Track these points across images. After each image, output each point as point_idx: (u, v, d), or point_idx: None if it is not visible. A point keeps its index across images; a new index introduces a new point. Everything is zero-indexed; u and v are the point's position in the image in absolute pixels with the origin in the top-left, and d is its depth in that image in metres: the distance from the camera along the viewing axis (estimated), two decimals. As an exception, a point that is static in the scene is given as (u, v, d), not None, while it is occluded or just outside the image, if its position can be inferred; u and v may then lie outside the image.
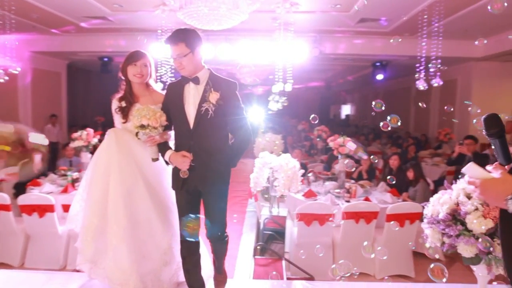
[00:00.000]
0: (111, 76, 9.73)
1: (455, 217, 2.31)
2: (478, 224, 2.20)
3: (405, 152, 8.03)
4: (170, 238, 2.50)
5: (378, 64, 9.13)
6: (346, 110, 22.63)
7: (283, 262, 3.56)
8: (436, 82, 4.58)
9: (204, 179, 2.26)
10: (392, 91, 14.47)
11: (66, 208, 3.86)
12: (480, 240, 2.22)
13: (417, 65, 5.22)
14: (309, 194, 4.65)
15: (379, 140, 10.89)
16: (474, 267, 2.50)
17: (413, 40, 7.76)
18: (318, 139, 7.96)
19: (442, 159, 7.72)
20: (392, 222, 3.97)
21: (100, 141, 6.07)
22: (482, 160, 4.75)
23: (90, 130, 5.17)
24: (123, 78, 2.50)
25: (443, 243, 2.42)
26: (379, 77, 9.22)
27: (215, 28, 4.38)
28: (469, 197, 2.35)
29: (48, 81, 9.95)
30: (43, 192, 4.42)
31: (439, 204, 2.45)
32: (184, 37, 2.18)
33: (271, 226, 4.41)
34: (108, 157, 2.42)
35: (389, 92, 14.92)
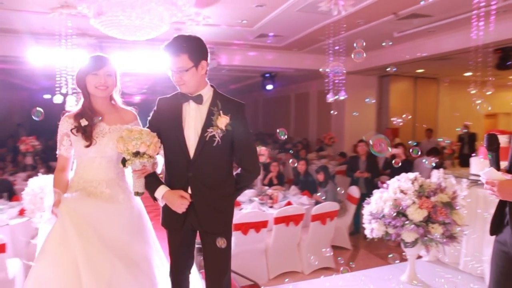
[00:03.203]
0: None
1: (398, 210, 2.79)
2: (417, 214, 2.71)
3: (296, 156, 8.85)
4: None
5: (267, 75, 9.83)
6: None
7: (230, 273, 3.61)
8: (342, 95, 5.27)
9: (206, 218, 1.90)
10: (272, 99, 15.63)
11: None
12: (419, 227, 2.73)
13: (326, 80, 5.89)
14: (235, 204, 4.77)
15: (267, 146, 11.66)
16: (405, 249, 3.04)
17: (299, 54, 8.71)
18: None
19: (328, 160, 8.78)
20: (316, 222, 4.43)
21: None
22: (374, 160, 5.64)
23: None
24: (79, 90, 2.03)
25: (387, 233, 2.88)
26: (269, 87, 9.93)
27: (135, 38, 4.16)
28: (404, 193, 2.87)
29: None
30: None
31: (381, 201, 2.91)
32: (188, 47, 1.81)
33: (202, 239, 4.40)
34: (70, 252, 1.77)
35: (268, 100, 16.07)
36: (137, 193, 1.93)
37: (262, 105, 16.99)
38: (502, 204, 1.51)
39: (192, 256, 2.12)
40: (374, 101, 9.43)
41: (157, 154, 1.93)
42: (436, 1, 4.50)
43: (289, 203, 4.76)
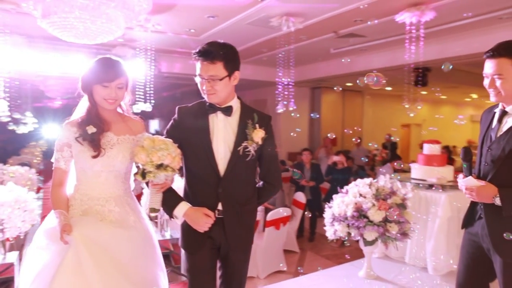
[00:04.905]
0: None
1: (360, 212, 3.07)
2: (377, 215, 3.02)
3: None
4: None
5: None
6: (154, 125, 22.80)
7: None
8: (291, 106, 5.54)
9: (235, 235, 1.81)
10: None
11: None
12: (379, 226, 3.04)
13: (276, 92, 6.13)
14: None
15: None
16: (363, 247, 3.34)
17: (241, 65, 8.92)
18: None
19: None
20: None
21: None
22: (318, 168, 6.02)
23: None
24: (83, 94, 1.83)
25: (348, 234, 3.15)
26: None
27: (87, 42, 3.96)
28: (364, 196, 3.17)
29: None
30: None
31: (344, 205, 3.17)
32: (224, 55, 1.71)
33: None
34: (86, 284, 1.61)
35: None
36: (153, 210, 1.75)
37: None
38: (474, 204, 1.83)
39: (215, 283, 1.95)
40: (318, 116, 9.96)
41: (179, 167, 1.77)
42: (373, 24, 5.02)
43: (243, 210, 4.86)
